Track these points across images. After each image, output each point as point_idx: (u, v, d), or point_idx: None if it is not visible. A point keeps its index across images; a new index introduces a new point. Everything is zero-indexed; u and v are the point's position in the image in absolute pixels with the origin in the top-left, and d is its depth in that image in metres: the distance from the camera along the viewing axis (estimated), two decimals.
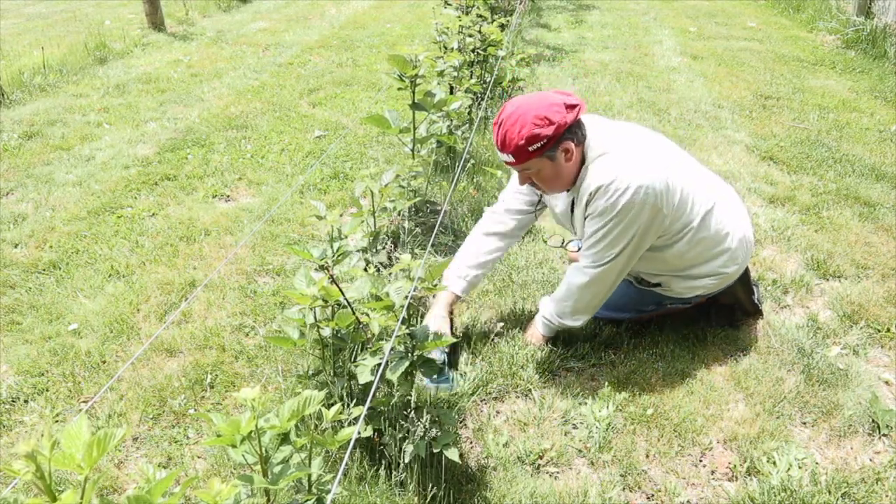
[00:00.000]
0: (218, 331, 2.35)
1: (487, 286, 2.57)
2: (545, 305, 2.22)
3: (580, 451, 1.88)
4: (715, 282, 2.13)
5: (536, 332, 2.27)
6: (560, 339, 2.28)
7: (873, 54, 5.67)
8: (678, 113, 4.41)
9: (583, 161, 1.95)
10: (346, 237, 2.20)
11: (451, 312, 2.25)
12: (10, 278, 2.70)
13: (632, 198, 1.84)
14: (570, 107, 1.86)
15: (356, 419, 1.51)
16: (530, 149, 1.85)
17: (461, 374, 2.13)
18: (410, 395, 1.74)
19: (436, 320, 2.18)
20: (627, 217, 1.87)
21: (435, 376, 1.95)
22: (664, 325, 2.36)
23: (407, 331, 1.63)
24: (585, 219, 1.97)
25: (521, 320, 2.39)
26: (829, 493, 1.72)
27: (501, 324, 2.35)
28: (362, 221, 2.39)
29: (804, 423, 1.97)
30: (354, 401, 1.80)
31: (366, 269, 2.05)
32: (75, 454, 0.90)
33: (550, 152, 1.88)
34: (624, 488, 1.77)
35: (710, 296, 2.25)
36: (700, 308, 2.42)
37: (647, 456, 1.86)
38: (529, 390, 2.08)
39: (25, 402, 2.07)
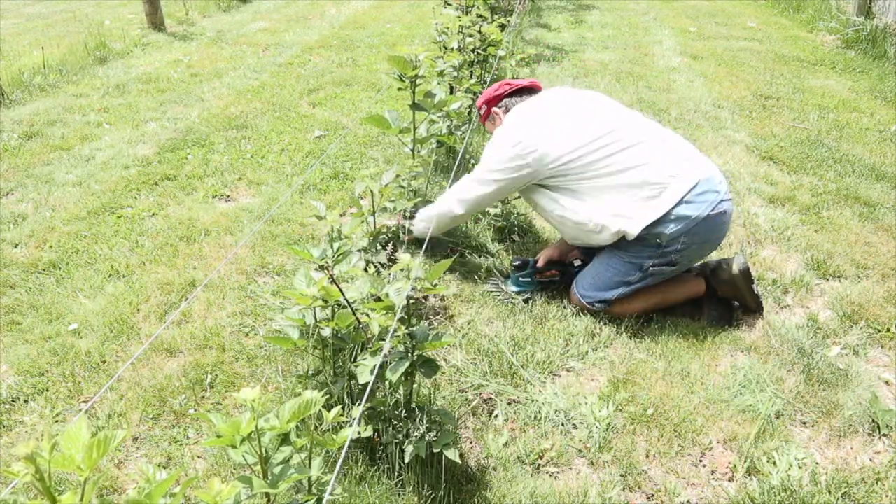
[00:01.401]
0: (218, 331, 2.35)
1: (488, 286, 2.57)
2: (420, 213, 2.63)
3: (580, 451, 1.88)
4: (649, 207, 2.20)
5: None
6: (560, 338, 2.28)
7: (873, 54, 5.67)
8: (678, 113, 4.41)
9: None
10: (347, 237, 2.21)
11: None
12: (10, 278, 2.70)
13: (500, 140, 2.37)
14: (507, 84, 2.59)
15: (356, 419, 1.51)
16: (479, 112, 2.69)
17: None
18: (409, 395, 1.74)
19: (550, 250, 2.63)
20: (494, 151, 2.36)
21: (518, 276, 2.52)
22: (664, 324, 2.36)
23: (407, 331, 1.63)
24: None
25: (521, 320, 2.39)
26: (829, 493, 1.72)
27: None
28: (362, 221, 2.39)
29: (804, 423, 1.98)
30: (356, 402, 1.80)
31: (366, 269, 2.05)
32: (75, 455, 0.90)
33: (489, 117, 2.65)
34: (624, 488, 1.77)
35: (693, 257, 2.33)
36: (699, 303, 2.42)
37: (647, 456, 1.86)
38: (529, 390, 2.08)
39: (25, 402, 2.07)
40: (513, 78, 2.68)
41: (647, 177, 2.19)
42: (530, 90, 2.59)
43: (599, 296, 2.36)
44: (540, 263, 2.53)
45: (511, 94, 2.57)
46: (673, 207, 2.17)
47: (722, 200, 2.21)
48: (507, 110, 2.56)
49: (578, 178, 2.26)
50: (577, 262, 2.55)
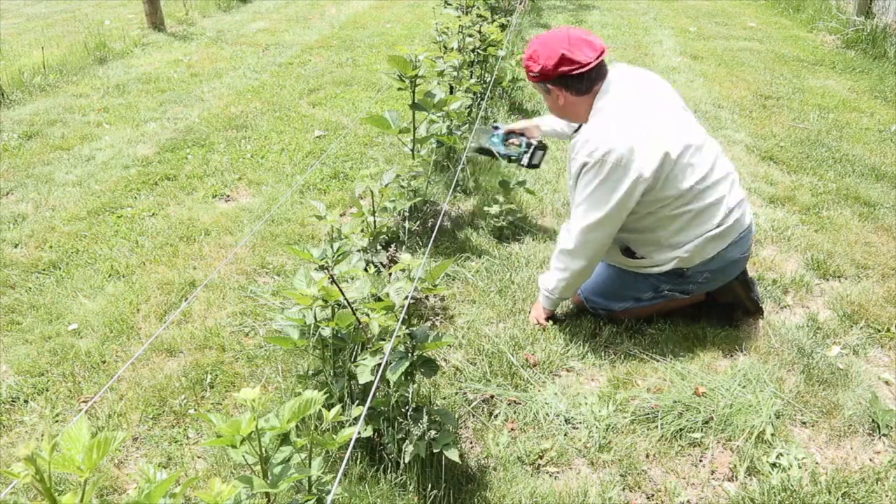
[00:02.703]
0: (218, 331, 2.35)
1: (488, 286, 2.57)
2: (543, 280, 2.33)
3: (580, 451, 1.88)
4: (692, 250, 2.13)
5: (539, 307, 2.38)
6: (560, 338, 2.29)
7: (873, 54, 5.67)
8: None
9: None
10: (347, 237, 2.21)
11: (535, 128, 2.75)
12: (10, 278, 2.70)
13: (603, 156, 1.98)
14: (568, 61, 2.05)
15: (356, 419, 1.51)
16: (528, 74, 2.16)
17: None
18: (409, 395, 1.74)
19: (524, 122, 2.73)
20: (608, 176, 1.99)
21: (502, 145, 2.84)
22: (664, 325, 2.36)
23: (407, 331, 1.63)
24: (575, 175, 2.11)
25: (521, 320, 2.39)
26: (829, 493, 1.72)
27: None
28: (362, 221, 2.39)
29: (804, 423, 1.98)
30: (356, 402, 1.80)
31: (366, 269, 2.05)
32: (75, 456, 0.90)
33: (541, 85, 2.16)
34: (624, 488, 1.78)
35: (707, 289, 2.28)
36: (699, 306, 2.43)
37: (647, 456, 1.86)
38: (529, 389, 2.08)
39: (25, 402, 2.08)
40: (567, 44, 2.04)
41: (720, 216, 2.11)
42: (598, 73, 2.10)
43: (605, 304, 2.34)
44: (506, 128, 2.84)
45: (576, 76, 2.07)
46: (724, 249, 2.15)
47: (751, 246, 2.25)
48: (572, 91, 2.11)
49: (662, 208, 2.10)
50: (534, 143, 2.80)
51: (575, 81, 2.08)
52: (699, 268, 2.17)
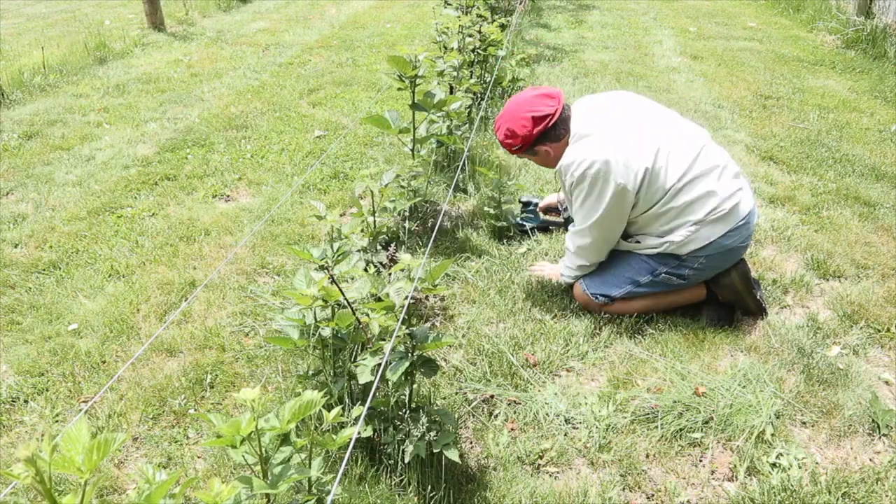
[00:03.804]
0: (218, 331, 2.35)
1: (488, 285, 2.57)
2: (562, 265, 2.51)
3: (580, 451, 1.88)
4: (685, 236, 2.21)
5: (552, 268, 2.62)
6: (560, 338, 2.29)
7: (873, 54, 5.67)
8: (678, 113, 4.41)
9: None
10: (347, 237, 2.21)
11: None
12: (10, 278, 2.70)
13: (584, 171, 2.14)
14: (539, 119, 2.23)
15: (356, 419, 1.51)
16: (511, 150, 2.33)
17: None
18: (409, 395, 1.74)
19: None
20: (592, 188, 2.16)
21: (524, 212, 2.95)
22: (664, 325, 2.36)
23: (407, 331, 1.63)
24: (569, 193, 2.30)
25: (521, 320, 2.39)
26: (829, 493, 1.72)
27: None
28: (362, 221, 2.39)
29: (804, 423, 1.97)
30: (356, 402, 1.80)
31: (366, 269, 2.05)
32: (75, 457, 0.90)
33: (528, 153, 2.34)
34: (624, 488, 1.77)
35: (705, 276, 2.33)
36: (699, 306, 2.43)
37: (647, 456, 1.86)
38: (529, 389, 2.08)
39: (25, 402, 2.08)
40: (523, 97, 2.25)
41: (709, 207, 2.18)
42: (565, 113, 2.27)
43: (605, 290, 2.37)
44: (542, 206, 2.90)
45: (553, 127, 2.24)
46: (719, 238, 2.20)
47: (750, 235, 2.28)
48: (555, 141, 2.27)
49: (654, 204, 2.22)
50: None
51: (552, 131, 2.25)
52: (695, 253, 2.23)
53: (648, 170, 2.14)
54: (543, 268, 2.65)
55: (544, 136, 2.25)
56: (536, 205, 2.92)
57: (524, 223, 2.94)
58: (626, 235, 2.35)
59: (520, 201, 2.95)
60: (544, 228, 2.96)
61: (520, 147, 2.29)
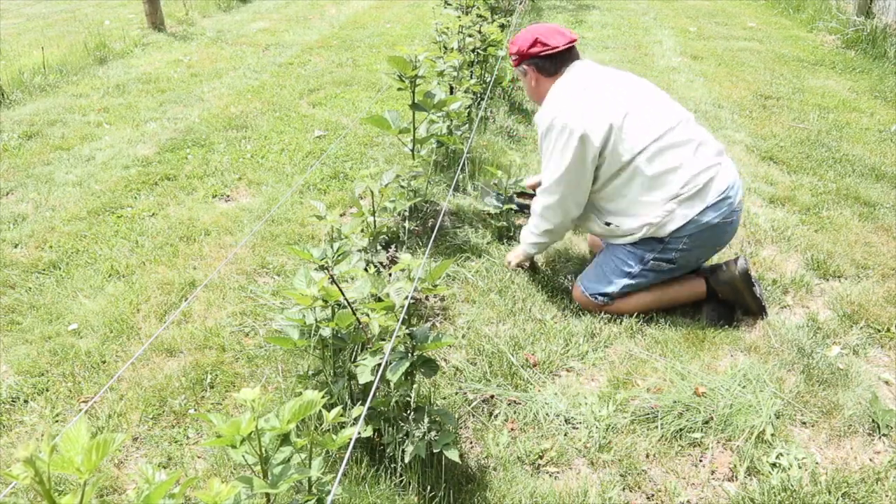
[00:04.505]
0: (218, 331, 2.35)
1: (488, 286, 2.57)
2: (525, 231, 2.56)
3: (580, 451, 1.88)
4: (661, 215, 2.22)
5: (517, 250, 2.65)
6: (560, 338, 2.29)
7: (873, 54, 5.67)
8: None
9: None
10: (347, 237, 2.21)
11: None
12: (10, 278, 2.70)
13: (552, 122, 2.24)
14: (540, 43, 2.36)
15: (356, 420, 1.51)
16: (510, 58, 2.48)
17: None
18: (409, 396, 1.74)
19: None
20: (558, 139, 2.23)
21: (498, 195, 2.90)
22: (664, 325, 2.37)
23: (407, 331, 1.63)
24: (540, 148, 2.38)
25: (521, 320, 2.39)
26: (829, 493, 1.72)
27: None
28: (362, 221, 2.39)
29: (804, 423, 1.97)
30: (356, 402, 1.80)
31: (366, 269, 2.05)
32: (75, 458, 0.90)
33: (519, 69, 2.47)
34: (624, 488, 1.77)
35: (693, 257, 2.34)
36: (699, 305, 2.43)
37: (647, 456, 1.86)
38: (529, 389, 2.08)
39: (25, 402, 2.07)
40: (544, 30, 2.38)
41: (682, 181, 2.19)
42: (565, 56, 2.39)
43: (601, 288, 2.38)
44: (529, 184, 2.87)
45: (546, 57, 2.37)
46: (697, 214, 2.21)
47: (734, 211, 2.26)
48: (542, 72, 2.40)
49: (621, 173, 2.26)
50: None
51: (545, 62, 2.37)
52: (676, 234, 2.24)
53: (613, 126, 2.18)
54: (511, 257, 2.68)
55: (535, 61, 2.39)
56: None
57: (500, 205, 2.92)
58: (602, 218, 2.36)
59: (493, 184, 2.96)
60: (519, 211, 2.98)
61: (515, 58, 2.44)
